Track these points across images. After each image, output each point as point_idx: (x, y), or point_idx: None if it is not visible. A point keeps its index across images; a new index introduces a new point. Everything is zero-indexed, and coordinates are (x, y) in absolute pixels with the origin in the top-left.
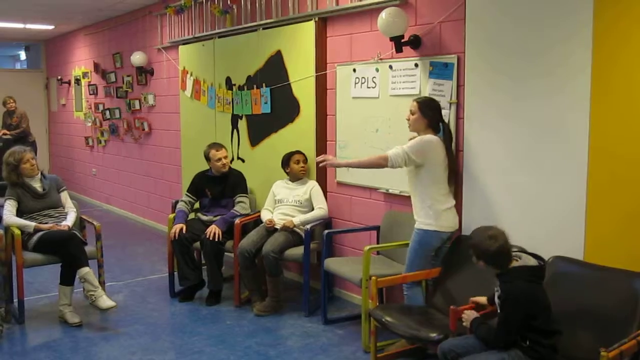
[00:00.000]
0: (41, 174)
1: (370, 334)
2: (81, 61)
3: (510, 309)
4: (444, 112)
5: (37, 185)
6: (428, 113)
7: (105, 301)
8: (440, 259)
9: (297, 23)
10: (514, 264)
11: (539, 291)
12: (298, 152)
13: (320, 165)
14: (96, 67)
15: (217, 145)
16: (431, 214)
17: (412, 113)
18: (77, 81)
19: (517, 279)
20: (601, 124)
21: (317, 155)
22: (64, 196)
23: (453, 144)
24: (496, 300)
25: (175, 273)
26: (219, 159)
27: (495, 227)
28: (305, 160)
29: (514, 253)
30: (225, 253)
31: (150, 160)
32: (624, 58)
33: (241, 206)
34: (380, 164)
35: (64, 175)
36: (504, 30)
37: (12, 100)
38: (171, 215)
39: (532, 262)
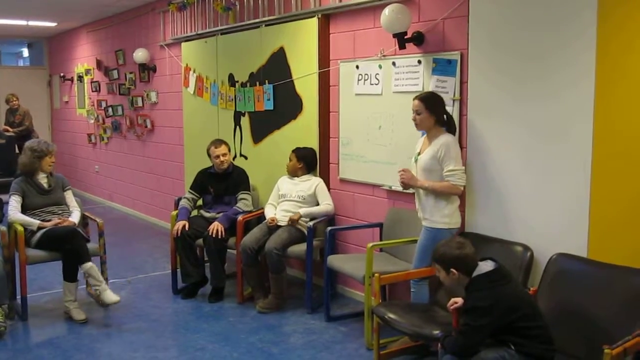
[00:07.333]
0: None
1: (373, 331)
2: (84, 58)
3: (469, 319)
4: (447, 109)
5: (43, 181)
6: (434, 109)
7: (110, 295)
8: None
9: (300, 20)
10: (474, 274)
11: (501, 294)
12: (293, 151)
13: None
14: (99, 64)
15: (217, 142)
16: (447, 213)
17: (417, 113)
18: (80, 78)
19: (478, 290)
20: (605, 123)
21: (321, 152)
22: (69, 195)
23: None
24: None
25: (178, 270)
26: (217, 156)
27: (463, 238)
28: (298, 160)
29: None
30: (228, 250)
31: (153, 157)
32: (628, 59)
33: (244, 203)
34: (455, 192)
35: (67, 173)
36: (507, 27)
37: (15, 98)
38: (174, 212)
39: (489, 266)
